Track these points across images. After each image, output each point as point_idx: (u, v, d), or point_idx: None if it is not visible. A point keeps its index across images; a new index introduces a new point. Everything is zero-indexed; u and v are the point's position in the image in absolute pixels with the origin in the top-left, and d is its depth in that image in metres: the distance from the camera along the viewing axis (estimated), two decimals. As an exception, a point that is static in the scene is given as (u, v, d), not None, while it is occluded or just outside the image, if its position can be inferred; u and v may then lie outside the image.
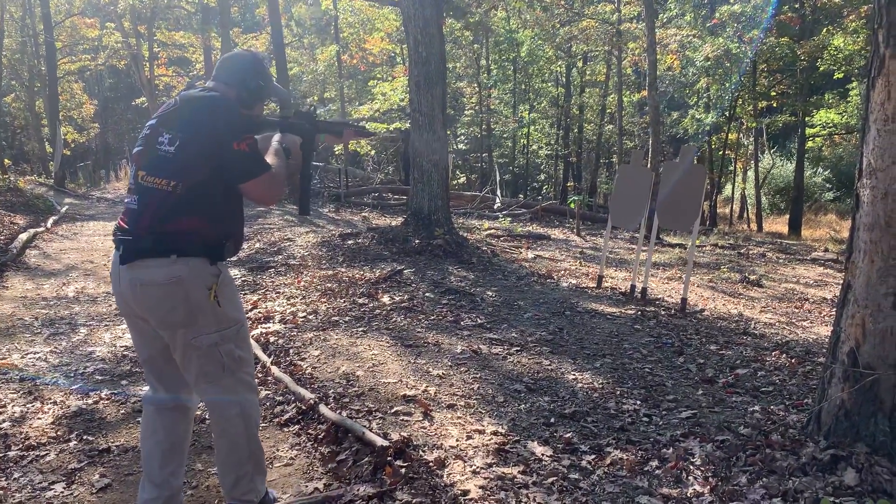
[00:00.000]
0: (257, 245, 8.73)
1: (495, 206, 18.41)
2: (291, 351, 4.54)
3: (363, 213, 14.51)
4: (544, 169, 34.21)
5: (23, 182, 15.50)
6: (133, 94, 34.93)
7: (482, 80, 28.20)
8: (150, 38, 30.74)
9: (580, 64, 29.63)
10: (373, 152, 25.62)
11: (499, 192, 20.15)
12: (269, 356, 4.43)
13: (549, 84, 30.44)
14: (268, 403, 3.78)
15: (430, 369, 4.22)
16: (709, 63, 21.24)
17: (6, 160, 16.84)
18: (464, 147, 29.94)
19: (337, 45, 23.05)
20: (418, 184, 8.31)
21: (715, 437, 3.19)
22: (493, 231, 11.51)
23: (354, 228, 9.59)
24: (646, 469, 2.92)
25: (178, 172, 2.27)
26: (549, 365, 4.37)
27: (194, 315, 2.32)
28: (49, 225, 10.64)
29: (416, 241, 7.84)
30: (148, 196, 2.30)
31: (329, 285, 6.36)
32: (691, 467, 2.89)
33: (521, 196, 25.64)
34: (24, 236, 8.82)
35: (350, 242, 8.27)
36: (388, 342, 4.75)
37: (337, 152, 23.28)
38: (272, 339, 4.81)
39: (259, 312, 5.51)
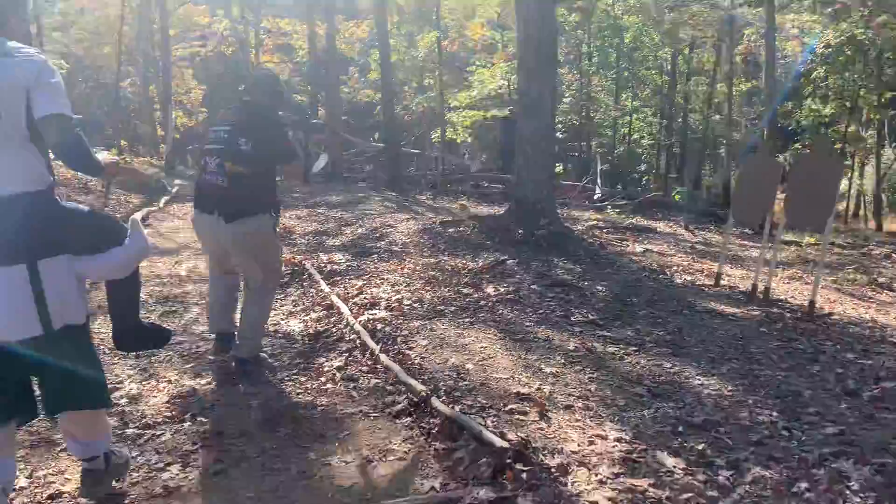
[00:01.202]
0: (360, 230, 8.72)
1: (595, 197, 17.95)
2: (399, 339, 4.44)
3: (461, 201, 14.39)
4: (645, 159, 33.16)
5: (137, 163, 16.19)
6: (238, 80, 35.94)
7: (583, 67, 27.49)
8: (257, 24, 31.65)
9: (686, 51, 28.49)
10: (469, 139, 25.47)
11: (599, 183, 19.59)
12: (378, 343, 4.34)
13: (654, 72, 29.44)
14: (378, 393, 3.69)
15: (543, 366, 4.02)
16: (829, 50, 19.95)
17: (122, 142, 17.62)
18: (561, 135, 29.29)
19: (438, 31, 22.98)
20: (523, 172, 8.09)
21: (872, 459, 2.86)
22: (596, 222, 11.15)
23: (454, 216, 9.46)
24: (794, 491, 2.63)
25: (252, 163, 3.66)
26: (671, 368, 4.09)
27: (268, 249, 3.93)
28: (162, 204, 11.02)
29: (520, 232, 7.63)
30: (235, 178, 3.64)
31: (432, 273, 6.25)
32: (848, 492, 2.59)
33: (619, 186, 24.92)
34: (138, 215, 9.13)
35: (451, 231, 8.14)
36: (495, 335, 4.58)
37: (434, 140, 23.24)
38: (379, 325, 4.72)
39: (364, 298, 5.45)
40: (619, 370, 4.05)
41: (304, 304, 5.52)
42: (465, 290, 5.68)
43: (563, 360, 4.14)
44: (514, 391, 3.58)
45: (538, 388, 3.63)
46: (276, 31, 32.22)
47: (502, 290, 5.73)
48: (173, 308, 5.38)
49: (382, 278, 6.18)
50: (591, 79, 28.53)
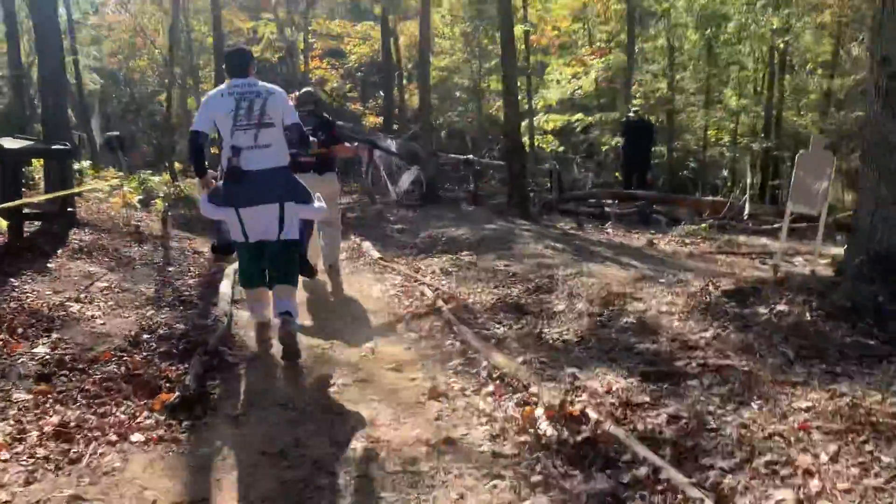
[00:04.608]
0: (579, 305, 5.35)
1: (745, 215, 14.40)
2: None
3: (610, 229, 11.06)
4: (727, 165, 29.32)
5: (191, 185, 12.97)
6: (285, 88, 32.99)
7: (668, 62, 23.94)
8: (306, 28, 28.56)
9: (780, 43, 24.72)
10: (561, 149, 21.97)
11: (748, 196, 15.97)
12: None
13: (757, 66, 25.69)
14: None
15: None
16: None
17: (176, 164, 14.45)
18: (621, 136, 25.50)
19: (526, 24, 19.61)
20: (881, 207, 4.71)
21: None
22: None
23: (738, 279, 5.95)
24: None
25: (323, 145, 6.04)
26: None
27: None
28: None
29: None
30: (318, 156, 6.02)
31: (880, 445, 2.90)
32: None
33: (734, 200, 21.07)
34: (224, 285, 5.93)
35: (762, 310, 4.76)
36: None
37: (546, 147, 19.74)
38: None
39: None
40: None
41: None
42: None
43: None
44: None
45: None
46: (326, 33, 29.11)
47: None
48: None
49: (801, 469, 2.83)
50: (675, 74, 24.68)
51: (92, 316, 4.99)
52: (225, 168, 4.28)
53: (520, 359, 4.28)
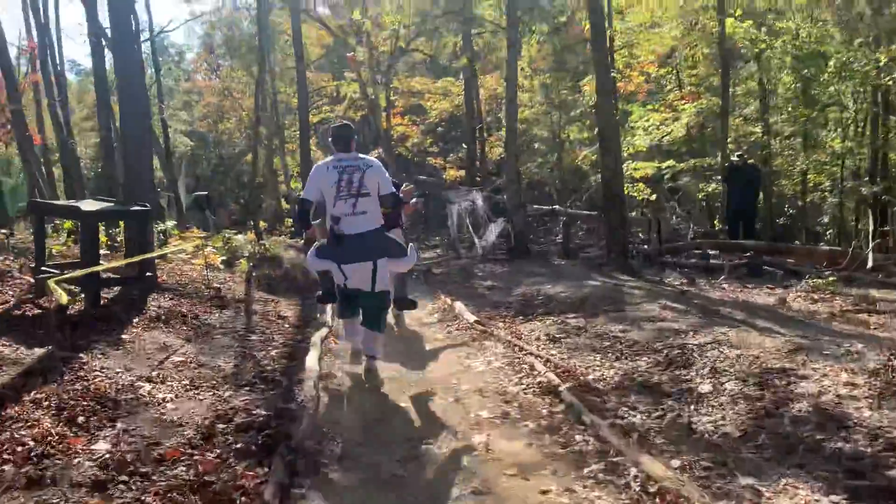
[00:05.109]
0: (731, 385, 4.40)
1: (868, 266, 12.96)
2: None
3: (726, 284, 10.00)
4: (827, 210, 27.25)
5: (276, 244, 12.60)
6: (362, 148, 33.20)
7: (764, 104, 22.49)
8: (387, 86, 28.75)
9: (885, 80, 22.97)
10: (654, 197, 20.90)
11: (872, 246, 14.50)
12: None
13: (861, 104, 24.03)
14: None
15: None
16: None
17: (261, 222, 14.20)
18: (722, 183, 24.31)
19: (613, 71, 18.87)
20: None
21: None
22: None
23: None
24: None
25: None
26: None
27: None
28: (329, 322, 7.16)
29: None
30: None
31: None
32: None
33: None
34: (316, 337, 5.28)
35: None
36: None
37: (637, 195, 18.79)
38: None
39: None
40: None
41: None
42: None
43: None
44: None
45: None
46: (407, 91, 29.23)
47: None
48: None
49: None
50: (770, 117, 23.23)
51: (163, 399, 4.40)
52: (329, 233, 4.95)
53: (675, 462, 3.40)
